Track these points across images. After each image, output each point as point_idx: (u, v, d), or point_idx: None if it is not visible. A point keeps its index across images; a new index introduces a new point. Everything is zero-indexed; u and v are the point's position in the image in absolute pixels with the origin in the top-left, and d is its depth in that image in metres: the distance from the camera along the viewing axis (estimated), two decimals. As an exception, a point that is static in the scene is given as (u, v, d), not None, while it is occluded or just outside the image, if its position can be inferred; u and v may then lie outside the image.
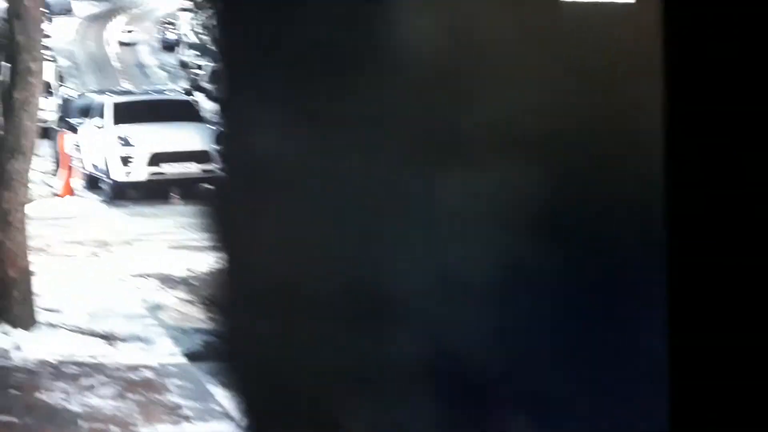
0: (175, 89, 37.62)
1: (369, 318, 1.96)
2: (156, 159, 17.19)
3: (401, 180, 1.88)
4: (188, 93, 28.09)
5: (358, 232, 1.97)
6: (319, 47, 1.84)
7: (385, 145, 1.86)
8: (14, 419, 5.50)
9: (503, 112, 1.83)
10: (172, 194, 16.87)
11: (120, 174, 17.40)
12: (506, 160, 1.82)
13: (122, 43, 75.21)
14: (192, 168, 17.30)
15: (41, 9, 7.41)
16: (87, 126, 19.51)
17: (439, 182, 1.86)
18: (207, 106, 22.90)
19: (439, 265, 1.90)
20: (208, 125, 18.99)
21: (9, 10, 7.32)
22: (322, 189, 1.94)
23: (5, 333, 7.04)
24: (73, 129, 20.05)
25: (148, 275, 10.02)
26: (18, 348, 6.75)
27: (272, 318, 2.14)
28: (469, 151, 1.84)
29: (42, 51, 7.41)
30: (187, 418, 5.46)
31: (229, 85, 2.10)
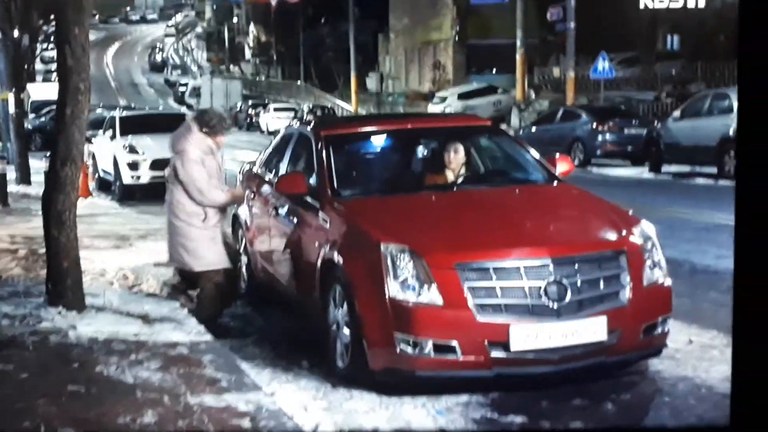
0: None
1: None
2: (157, 164, 17.55)
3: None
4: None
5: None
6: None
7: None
8: (81, 388, 5.60)
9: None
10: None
11: (128, 178, 18.24)
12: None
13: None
14: None
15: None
16: (100, 137, 20.53)
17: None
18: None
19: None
20: None
21: (59, 38, 7.53)
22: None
23: (62, 315, 7.25)
24: (88, 140, 20.77)
25: (164, 264, 10.16)
26: (73, 327, 6.91)
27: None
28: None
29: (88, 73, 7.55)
30: (227, 390, 5.55)
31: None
